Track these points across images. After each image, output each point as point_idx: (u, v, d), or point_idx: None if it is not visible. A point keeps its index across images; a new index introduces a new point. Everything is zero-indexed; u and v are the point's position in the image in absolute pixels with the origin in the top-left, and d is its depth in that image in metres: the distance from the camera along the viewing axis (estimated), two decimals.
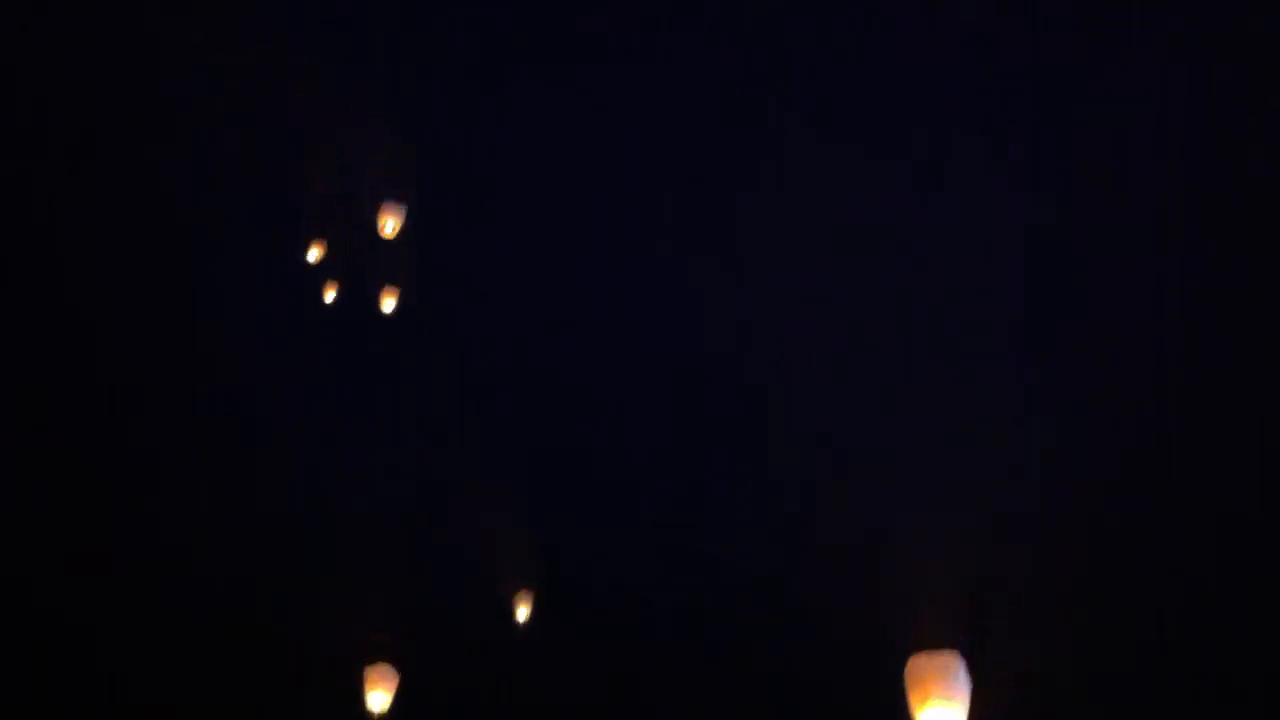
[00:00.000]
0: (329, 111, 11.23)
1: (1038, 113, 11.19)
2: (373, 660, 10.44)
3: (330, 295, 10.98)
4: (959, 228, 11.31)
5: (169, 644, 10.88)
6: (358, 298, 11.33)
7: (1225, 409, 10.87)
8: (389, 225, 10.40)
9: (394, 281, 11.40)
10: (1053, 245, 11.20)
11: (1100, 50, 11.17)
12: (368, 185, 11.09)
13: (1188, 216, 11.04)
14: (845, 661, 10.91)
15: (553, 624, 11.05)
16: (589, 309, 11.13)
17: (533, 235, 11.26)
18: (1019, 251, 11.20)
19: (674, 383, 11.23)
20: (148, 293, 11.06)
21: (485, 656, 10.93)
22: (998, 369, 11.15)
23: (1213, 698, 10.58)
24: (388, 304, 11.29)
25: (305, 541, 11.02)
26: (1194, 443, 10.90)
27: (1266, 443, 10.77)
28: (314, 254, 10.80)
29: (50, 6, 11.02)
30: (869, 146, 11.29)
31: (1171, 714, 10.61)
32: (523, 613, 11.05)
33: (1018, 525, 11.02)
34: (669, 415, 11.04)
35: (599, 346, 11.12)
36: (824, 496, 11.15)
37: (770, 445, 11.23)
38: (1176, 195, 11.04)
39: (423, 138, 11.06)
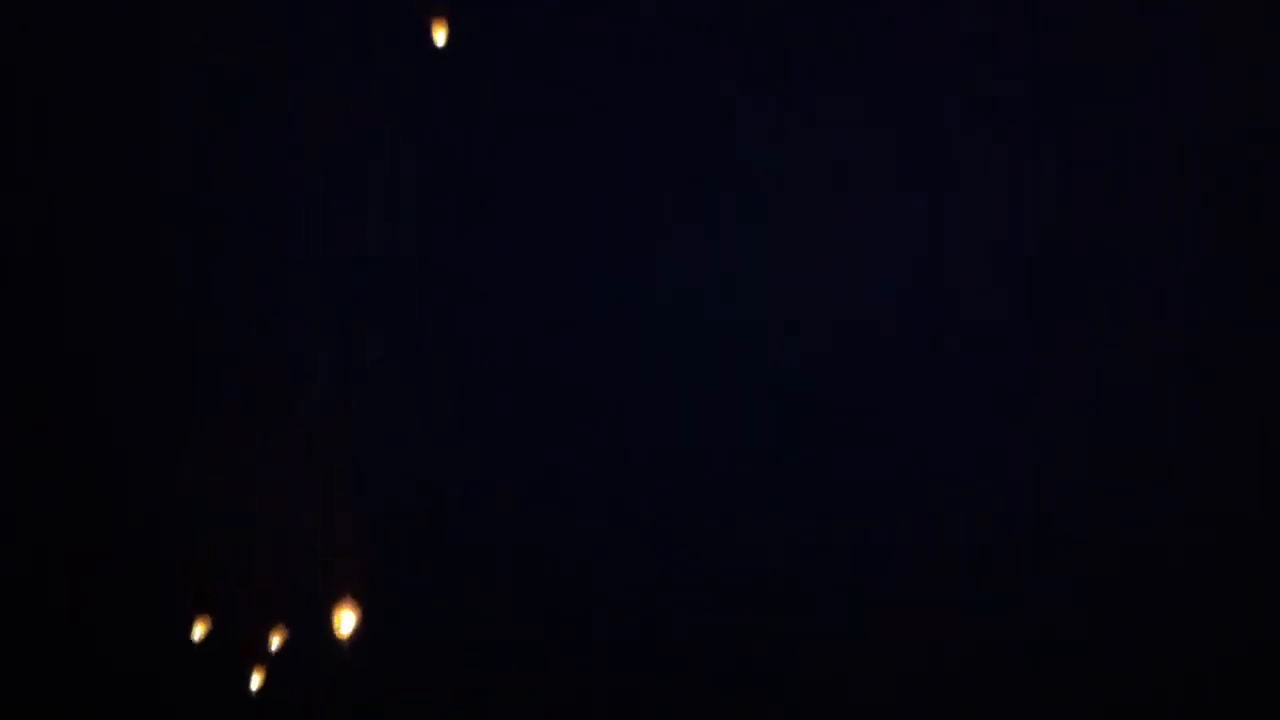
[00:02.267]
0: (329, 111, 11.21)
1: (1038, 112, 11.20)
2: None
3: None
4: (958, 226, 11.31)
5: (168, 644, 10.84)
6: (356, 299, 11.28)
7: (1225, 408, 10.89)
8: (345, 623, 10.49)
9: (393, 284, 11.36)
10: (1053, 245, 11.21)
11: (1100, 50, 11.18)
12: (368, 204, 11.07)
13: (1188, 217, 11.05)
14: (850, 664, 10.92)
15: (551, 624, 11.02)
16: (589, 309, 11.10)
17: (532, 235, 11.23)
18: (1019, 250, 11.22)
19: (674, 382, 11.21)
20: (148, 293, 11.02)
21: (484, 656, 10.90)
22: (999, 368, 11.17)
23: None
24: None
25: (304, 541, 10.98)
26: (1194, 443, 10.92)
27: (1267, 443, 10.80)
28: None
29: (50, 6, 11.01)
30: (871, 145, 11.29)
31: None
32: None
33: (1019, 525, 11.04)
34: (672, 415, 11.02)
35: (599, 346, 11.10)
36: (828, 495, 11.15)
37: (771, 444, 11.23)
38: (1176, 195, 11.05)
39: (423, 137, 11.03)
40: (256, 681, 10.75)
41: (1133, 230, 11.11)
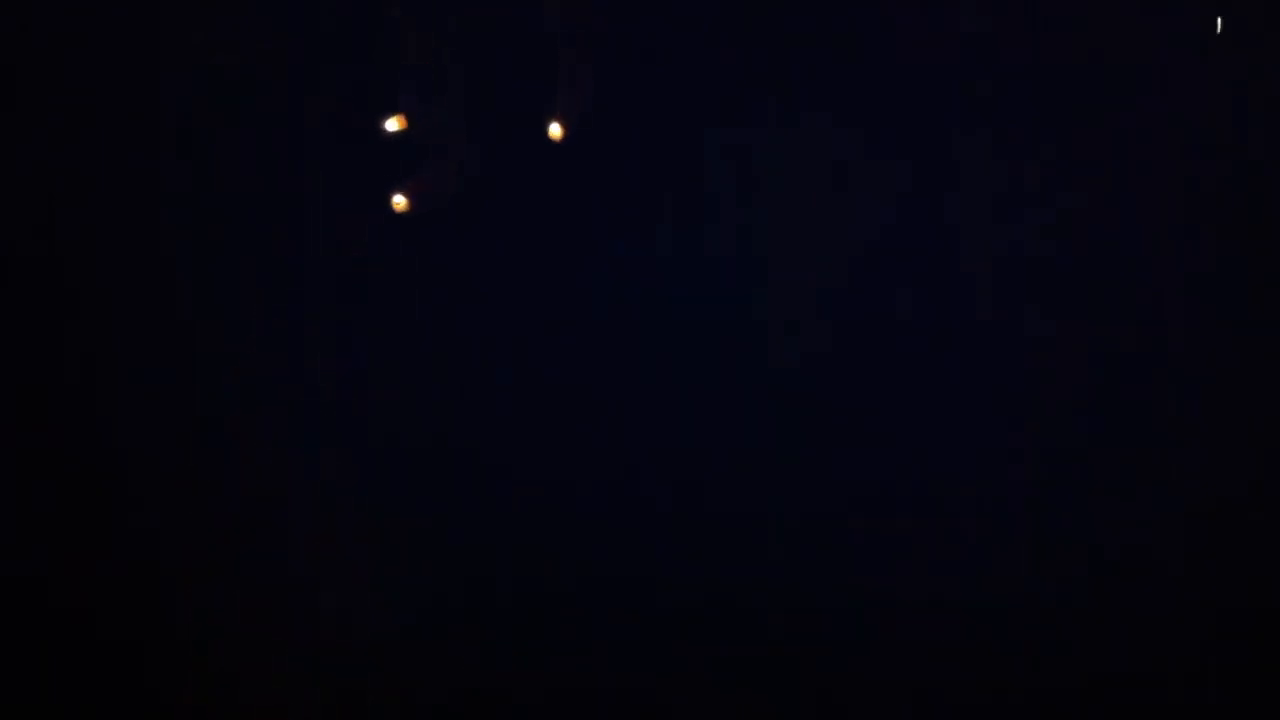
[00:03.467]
0: (329, 110, 11.23)
1: (1038, 113, 11.23)
2: None
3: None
4: (958, 226, 11.34)
5: (168, 643, 10.85)
6: (355, 298, 11.31)
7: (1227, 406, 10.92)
8: None
9: (394, 283, 11.38)
10: (1053, 244, 11.23)
11: (1100, 50, 11.22)
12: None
13: (1188, 217, 11.08)
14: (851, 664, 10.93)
15: (550, 624, 11.04)
16: (588, 309, 11.13)
17: (532, 235, 11.27)
18: (1020, 250, 11.25)
19: (674, 382, 11.24)
20: (148, 293, 11.04)
21: (486, 658, 10.91)
22: (1000, 367, 11.19)
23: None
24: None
25: (304, 542, 11.00)
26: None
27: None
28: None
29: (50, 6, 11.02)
30: (871, 145, 11.31)
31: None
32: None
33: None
34: (672, 415, 11.05)
35: (597, 346, 11.13)
36: (828, 495, 11.17)
37: (772, 444, 11.25)
38: (1177, 196, 11.09)
39: (423, 136, 11.04)
40: None
41: (1134, 231, 11.14)
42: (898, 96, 11.29)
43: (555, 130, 10.70)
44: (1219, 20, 10.48)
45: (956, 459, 11.08)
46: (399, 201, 10.48)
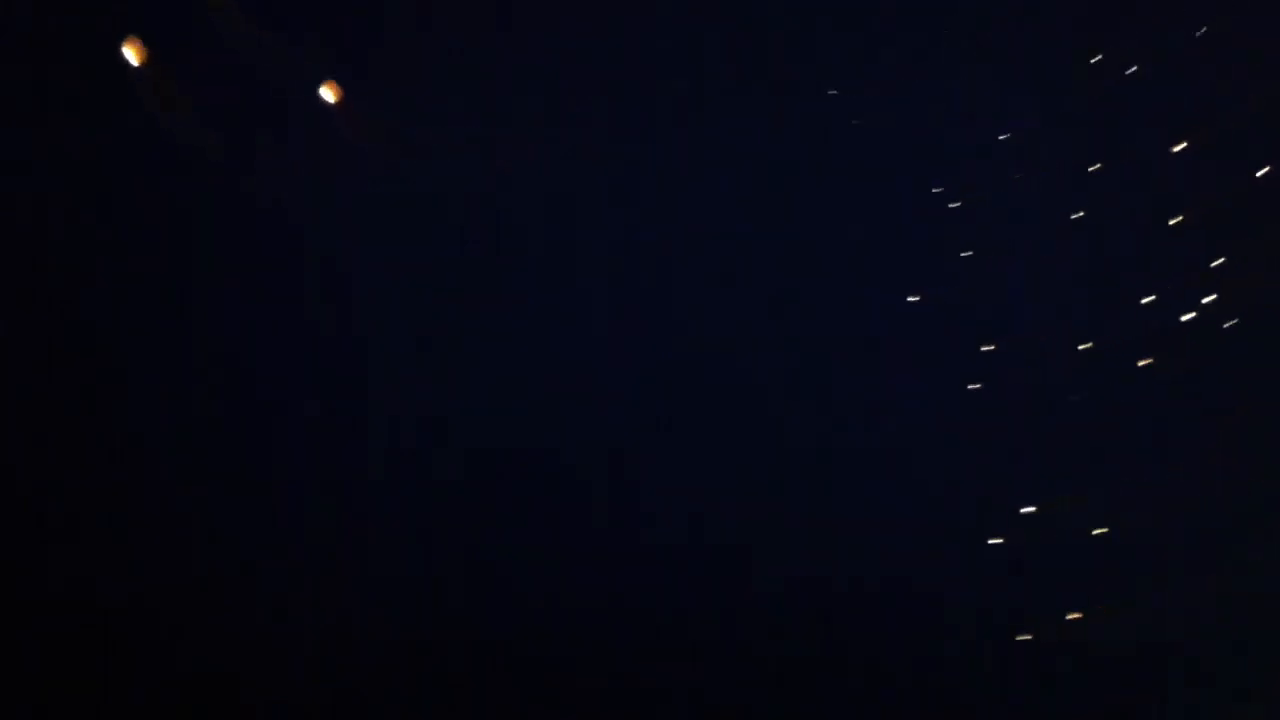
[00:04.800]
0: (329, 109, 11.24)
1: (1039, 113, 11.26)
2: None
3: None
4: (957, 229, 11.38)
5: (170, 640, 10.86)
6: (358, 299, 11.33)
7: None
8: None
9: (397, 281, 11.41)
10: (1054, 246, 11.27)
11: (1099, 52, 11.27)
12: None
13: (1186, 218, 11.11)
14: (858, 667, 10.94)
15: (553, 626, 11.04)
16: (590, 314, 11.14)
17: (536, 239, 11.30)
18: (1020, 250, 11.27)
19: (674, 384, 11.27)
20: (149, 292, 11.05)
21: (489, 661, 10.91)
22: (1001, 368, 11.22)
23: None
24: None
25: (307, 543, 11.00)
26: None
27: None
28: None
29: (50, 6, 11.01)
30: (872, 151, 11.35)
31: None
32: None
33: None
34: (676, 422, 11.07)
35: (601, 354, 11.15)
36: (837, 495, 11.19)
37: (779, 444, 11.27)
38: (1175, 197, 11.12)
39: (428, 137, 11.08)
40: None
41: (1134, 234, 11.18)
42: (902, 99, 11.37)
43: (330, 95, 10.68)
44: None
45: (955, 461, 11.14)
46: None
